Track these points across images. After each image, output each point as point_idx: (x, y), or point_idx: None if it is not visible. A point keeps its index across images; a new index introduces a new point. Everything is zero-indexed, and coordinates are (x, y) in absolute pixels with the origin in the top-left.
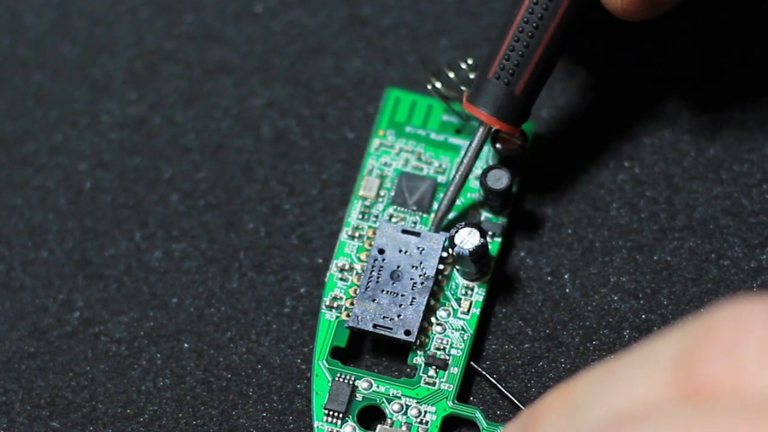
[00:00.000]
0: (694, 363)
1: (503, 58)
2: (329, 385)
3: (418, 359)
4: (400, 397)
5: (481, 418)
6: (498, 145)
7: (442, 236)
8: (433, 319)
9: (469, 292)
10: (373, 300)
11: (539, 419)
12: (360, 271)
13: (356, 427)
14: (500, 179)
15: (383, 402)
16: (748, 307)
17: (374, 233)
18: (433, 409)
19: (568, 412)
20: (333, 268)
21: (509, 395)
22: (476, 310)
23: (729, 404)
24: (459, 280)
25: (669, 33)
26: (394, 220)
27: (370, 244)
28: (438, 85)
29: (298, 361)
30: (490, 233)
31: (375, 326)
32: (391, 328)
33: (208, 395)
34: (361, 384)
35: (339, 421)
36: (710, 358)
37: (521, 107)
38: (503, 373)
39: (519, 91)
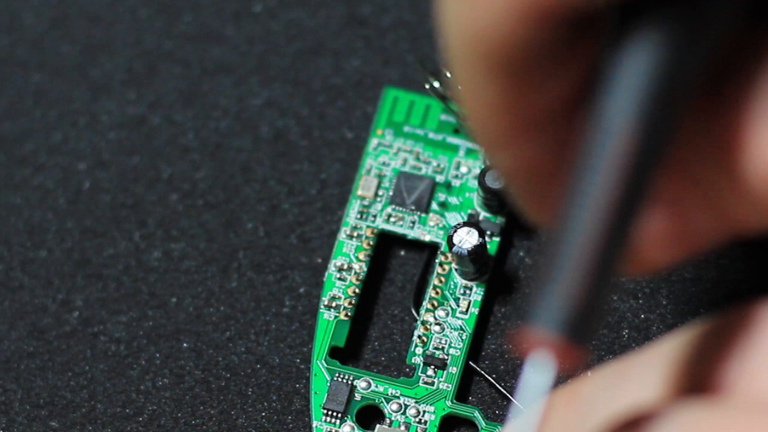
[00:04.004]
0: (708, 364)
1: None
2: (328, 384)
3: (417, 359)
4: (398, 397)
5: (480, 417)
6: None
7: None
8: (431, 319)
9: (468, 291)
10: None
11: (545, 418)
12: (358, 271)
13: (355, 427)
14: (499, 179)
15: (382, 402)
16: (764, 309)
17: (373, 233)
18: (431, 408)
19: (577, 410)
20: (331, 268)
21: (508, 395)
22: (475, 310)
23: (743, 405)
24: (457, 279)
25: None
26: (392, 219)
27: (369, 244)
28: (436, 84)
29: (297, 360)
30: (488, 233)
31: None
32: None
33: (207, 395)
34: (360, 384)
35: (338, 421)
36: (725, 359)
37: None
38: (502, 373)
39: None
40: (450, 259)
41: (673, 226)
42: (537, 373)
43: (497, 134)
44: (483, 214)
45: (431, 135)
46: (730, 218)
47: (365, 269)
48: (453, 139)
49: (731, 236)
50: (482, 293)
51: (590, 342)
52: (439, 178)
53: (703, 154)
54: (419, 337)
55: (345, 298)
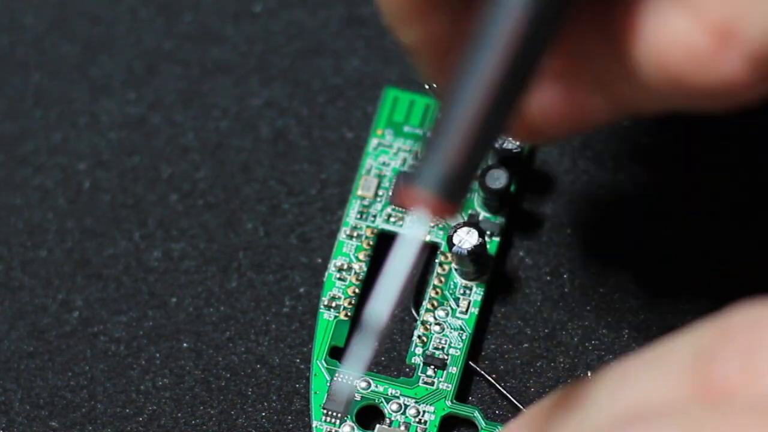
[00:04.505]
0: (710, 365)
1: None
2: (328, 384)
3: (417, 359)
4: (398, 397)
5: (480, 417)
6: (496, 145)
7: None
8: (431, 319)
9: (468, 291)
10: None
11: (547, 417)
12: (358, 271)
13: (355, 427)
14: (498, 179)
15: (382, 402)
16: (765, 310)
17: (372, 233)
18: (431, 408)
19: (580, 410)
20: (331, 268)
21: (508, 395)
22: (475, 310)
23: (743, 406)
24: (457, 279)
25: None
26: (392, 219)
27: (369, 244)
28: (436, 84)
29: (297, 360)
30: (488, 233)
31: None
32: None
33: (207, 395)
34: (360, 384)
35: (337, 421)
36: (726, 360)
37: None
38: (502, 373)
39: None
40: (450, 259)
41: (564, 101)
42: (414, 226)
43: (403, 11)
44: (483, 214)
45: None
46: (620, 100)
47: (365, 269)
48: None
49: (620, 116)
50: (482, 293)
51: (462, 199)
52: None
53: (597, 37)
54: (419, 337)
55: (345, 298)
